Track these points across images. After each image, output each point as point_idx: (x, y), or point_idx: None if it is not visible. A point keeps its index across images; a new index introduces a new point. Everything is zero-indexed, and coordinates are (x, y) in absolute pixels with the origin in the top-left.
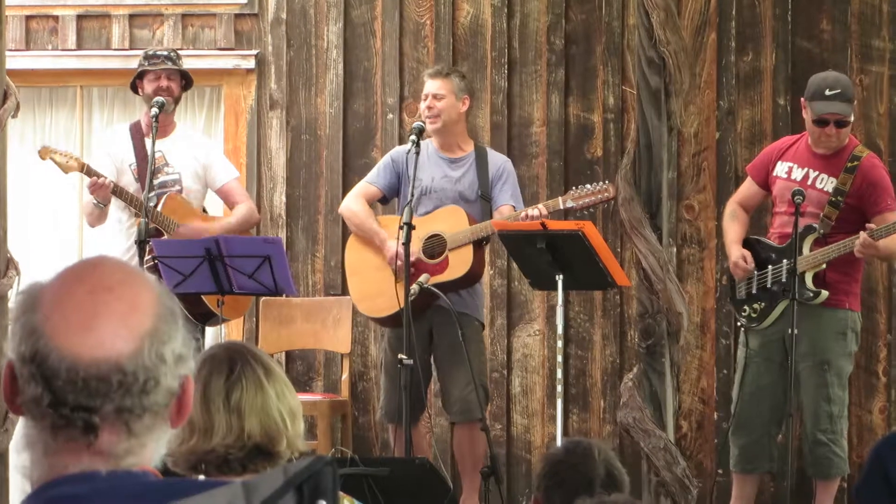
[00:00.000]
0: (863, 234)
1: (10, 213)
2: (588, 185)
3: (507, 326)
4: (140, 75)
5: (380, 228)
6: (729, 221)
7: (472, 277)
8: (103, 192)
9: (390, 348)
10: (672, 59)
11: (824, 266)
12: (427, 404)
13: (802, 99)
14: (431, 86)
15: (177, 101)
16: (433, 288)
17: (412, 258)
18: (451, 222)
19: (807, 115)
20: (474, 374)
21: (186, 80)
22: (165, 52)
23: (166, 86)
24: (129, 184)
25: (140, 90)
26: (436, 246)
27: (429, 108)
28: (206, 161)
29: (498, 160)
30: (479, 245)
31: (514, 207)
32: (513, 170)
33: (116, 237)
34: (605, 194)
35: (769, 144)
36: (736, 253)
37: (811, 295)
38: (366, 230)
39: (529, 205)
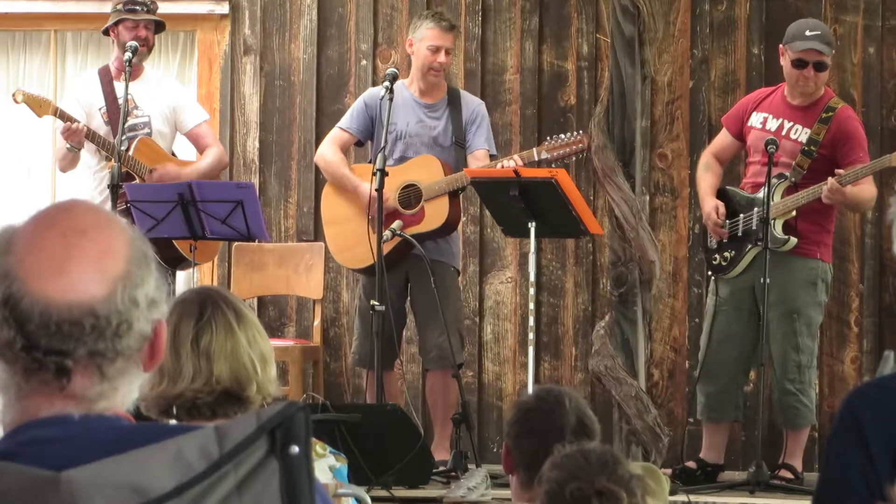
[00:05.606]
0: (831, 180)
1: None
2: (563, 136)
3: (479, 273)
4: (117, 22)
5: (352, 174)
6: (702, 172)
7: (449, 227)
8: (76, 137)
9: (364, 294)
10: (646, 7)
11: (794, 213)
12: (399, 351)
13: (781, 46)
14: (447, 40)
15: (150, 49)
16: (405, 234)
17: (389, 210)
18: (427, 172)
19: (785, 61)
20: (448, 321)
21: (159, 26)
22: (144, 1)
23: (144, 36)
24: (99, 127)
25: (113, 35)
26: (412, 196)
27: (441, 63)
28: (176, 104)
29: (472, 103)
30: (454, 195)
31: (488, 151)
32: (486, 113)
33: (88, 181)
34: (580, 145)
35: (743, 94)
36: (710, 204)
37: (780, 241)
38: (338, 177)
39: (501, 151)
